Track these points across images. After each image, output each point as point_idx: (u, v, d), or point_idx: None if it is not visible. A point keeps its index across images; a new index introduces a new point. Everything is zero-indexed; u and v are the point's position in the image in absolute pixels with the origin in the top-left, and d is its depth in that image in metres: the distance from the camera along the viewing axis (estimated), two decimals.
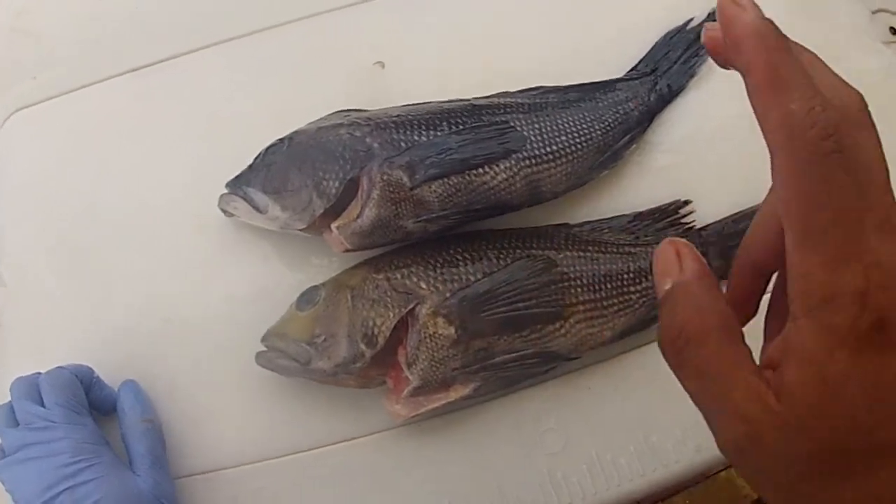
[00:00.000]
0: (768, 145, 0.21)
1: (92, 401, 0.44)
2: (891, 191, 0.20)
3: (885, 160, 0.20)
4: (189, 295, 0.48)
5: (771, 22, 0.22)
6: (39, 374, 0.44)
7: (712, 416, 0.21)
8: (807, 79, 0.20)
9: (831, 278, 0.19)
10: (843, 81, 0.22)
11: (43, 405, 0.42)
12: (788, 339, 0.20)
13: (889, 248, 0.19)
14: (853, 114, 0.21)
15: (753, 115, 0.55)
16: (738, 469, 0.22)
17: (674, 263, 0.23)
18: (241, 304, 0.48)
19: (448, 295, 0.43)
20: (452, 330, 0.42)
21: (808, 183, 0.20)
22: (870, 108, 0.54)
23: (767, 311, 0.25)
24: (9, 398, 0.43)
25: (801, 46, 0.22)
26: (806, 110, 0.20)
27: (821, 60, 0.22)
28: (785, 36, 0.21)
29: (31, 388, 0.43)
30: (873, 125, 0.21)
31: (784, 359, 0.20)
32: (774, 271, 0.26)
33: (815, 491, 0.20)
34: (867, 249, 0.19)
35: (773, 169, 0.21)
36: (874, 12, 0.55)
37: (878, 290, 0.19)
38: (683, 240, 0.24)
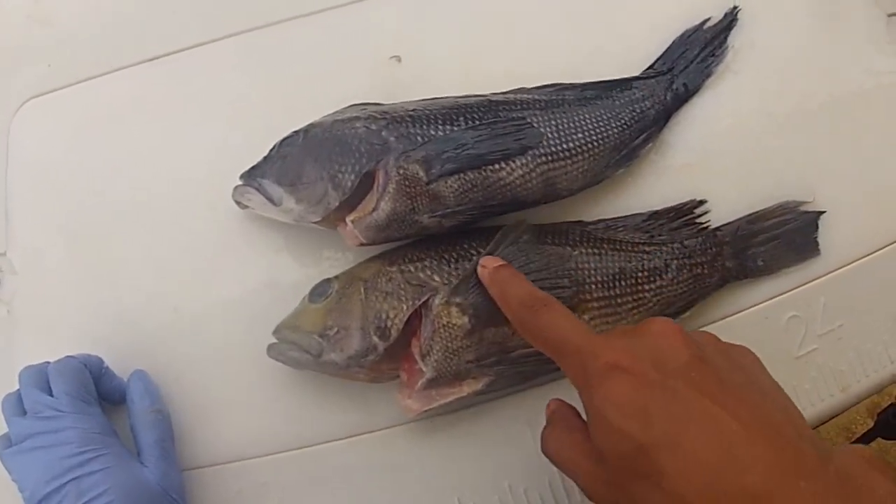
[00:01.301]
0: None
1: (101, 391, 0.44)
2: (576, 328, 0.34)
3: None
4: (201, 286, 0.48)
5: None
6: (48, 362, 0.43)
7: (571, 476, 0.34)
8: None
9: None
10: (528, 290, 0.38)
11: (51, 394, 0.42)
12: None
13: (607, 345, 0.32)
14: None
15: (769, 116, 0.55)
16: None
17: (546, 410, 0.37)
18: (252, 296, 0.47)
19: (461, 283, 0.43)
20: (466, 319, 0.42)
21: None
22: (884, 109, 0.54)
23: None
24: (17, 387, 0.43)
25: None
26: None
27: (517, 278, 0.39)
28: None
29: (39, 376, 0.43)
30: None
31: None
32: None
33: (631, 488, 0.30)
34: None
35: None
36: (890, 15, 0.55)
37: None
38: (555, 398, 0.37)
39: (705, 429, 0.28)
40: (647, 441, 0.28)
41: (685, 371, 0.30)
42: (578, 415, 0.35)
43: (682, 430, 0.28)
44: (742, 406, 0.29)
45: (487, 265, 0.40)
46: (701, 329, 0.48)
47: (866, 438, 0.73)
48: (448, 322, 0.42)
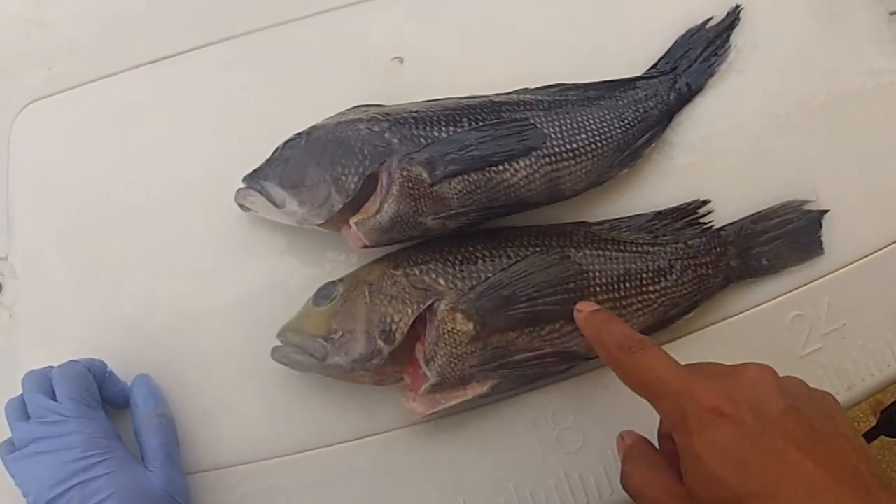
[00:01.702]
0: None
1: (105, 395, 0.44)
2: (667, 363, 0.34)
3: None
4: (203, 290, 0.48)
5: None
6: (52, 367, 0.43)
7: None
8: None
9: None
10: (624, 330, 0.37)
11: (55, 399, 0.42)
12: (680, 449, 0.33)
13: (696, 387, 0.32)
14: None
15: (772, 115, 0.55)
16: None
17: (620, 443, 0.37)
18: (255, 299, 0.47)
19: (466, 290, 0.43)
20: (471, 326, 0.42)
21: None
22: (887, 107, 0.54)
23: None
24: (20, 391, 0.43)
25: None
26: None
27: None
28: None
29: (43, 381, 0.42)
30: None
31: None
32: None
33: None
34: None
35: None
36: (892, 13, 0.55)
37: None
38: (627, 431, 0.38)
39: (798, 480, 0.29)
40: (745, 491, 0.29)
41: (782, 421, 0.31)
42: (656, 450, 0.36)
43: (779, 483, 0.29)
44: (832, 458, 0.30)
45: (584, 309, 0.40)
46: (707, 328, 0.48)
47: (869, 436, 0.73)
48: (453, 328, 0.42)
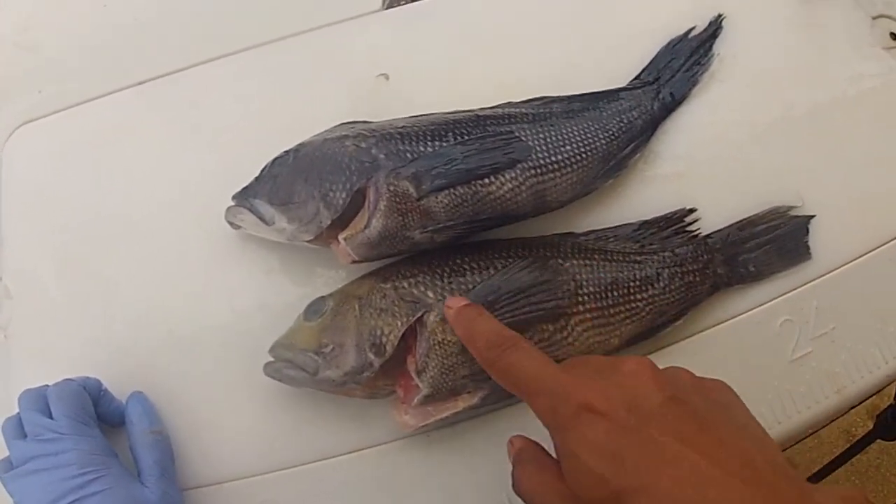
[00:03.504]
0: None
1: (100, 413, 0.44)
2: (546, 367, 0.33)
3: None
4: (196, 307, 0.48)
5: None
6: (47, 386, 0.44)
7: None
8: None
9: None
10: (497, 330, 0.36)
11: (51, 417, 0.42)
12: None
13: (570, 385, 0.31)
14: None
15: (755, 123, 0.55)
16: None
17: (510, 448, 0.36)
18: (247, 315, 0.48)
19: None
20: None
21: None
22: (870, 111, 0.54)
23: None
24: (16, 410, 0.43)
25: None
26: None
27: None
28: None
29: (39, 399, 0.43)
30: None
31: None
32: None
33: None
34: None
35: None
36: (875, 18, 0.55)
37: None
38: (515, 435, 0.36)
39: (679, 472, 0.27)
40: (621, 486, 0.28)
41: (659, 413, 0.29)
42: (546, 452, 0.34)
43: (656, 475, 0.28)
44: (719, 446, 0.28)
45: (452, 305, 0.39)
46: (696, 335, 0.48)
47: (866, 440, 0.72)
48: (443, 339, 0.43)
